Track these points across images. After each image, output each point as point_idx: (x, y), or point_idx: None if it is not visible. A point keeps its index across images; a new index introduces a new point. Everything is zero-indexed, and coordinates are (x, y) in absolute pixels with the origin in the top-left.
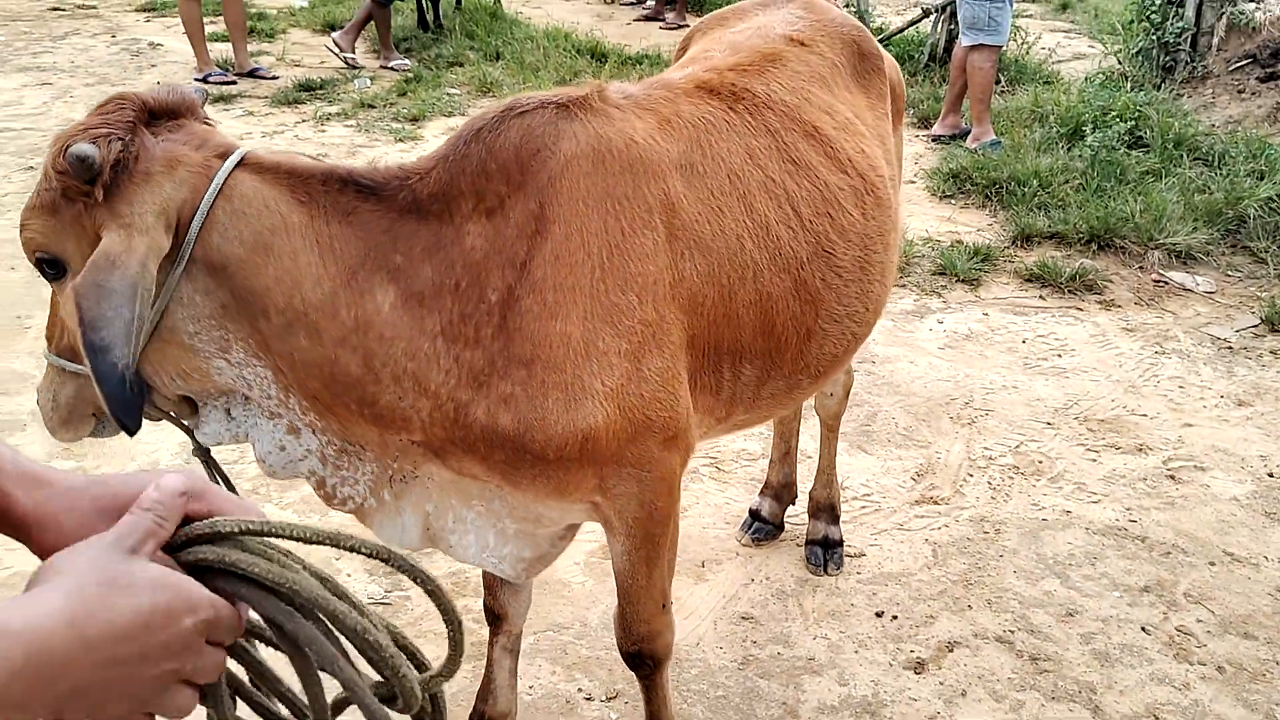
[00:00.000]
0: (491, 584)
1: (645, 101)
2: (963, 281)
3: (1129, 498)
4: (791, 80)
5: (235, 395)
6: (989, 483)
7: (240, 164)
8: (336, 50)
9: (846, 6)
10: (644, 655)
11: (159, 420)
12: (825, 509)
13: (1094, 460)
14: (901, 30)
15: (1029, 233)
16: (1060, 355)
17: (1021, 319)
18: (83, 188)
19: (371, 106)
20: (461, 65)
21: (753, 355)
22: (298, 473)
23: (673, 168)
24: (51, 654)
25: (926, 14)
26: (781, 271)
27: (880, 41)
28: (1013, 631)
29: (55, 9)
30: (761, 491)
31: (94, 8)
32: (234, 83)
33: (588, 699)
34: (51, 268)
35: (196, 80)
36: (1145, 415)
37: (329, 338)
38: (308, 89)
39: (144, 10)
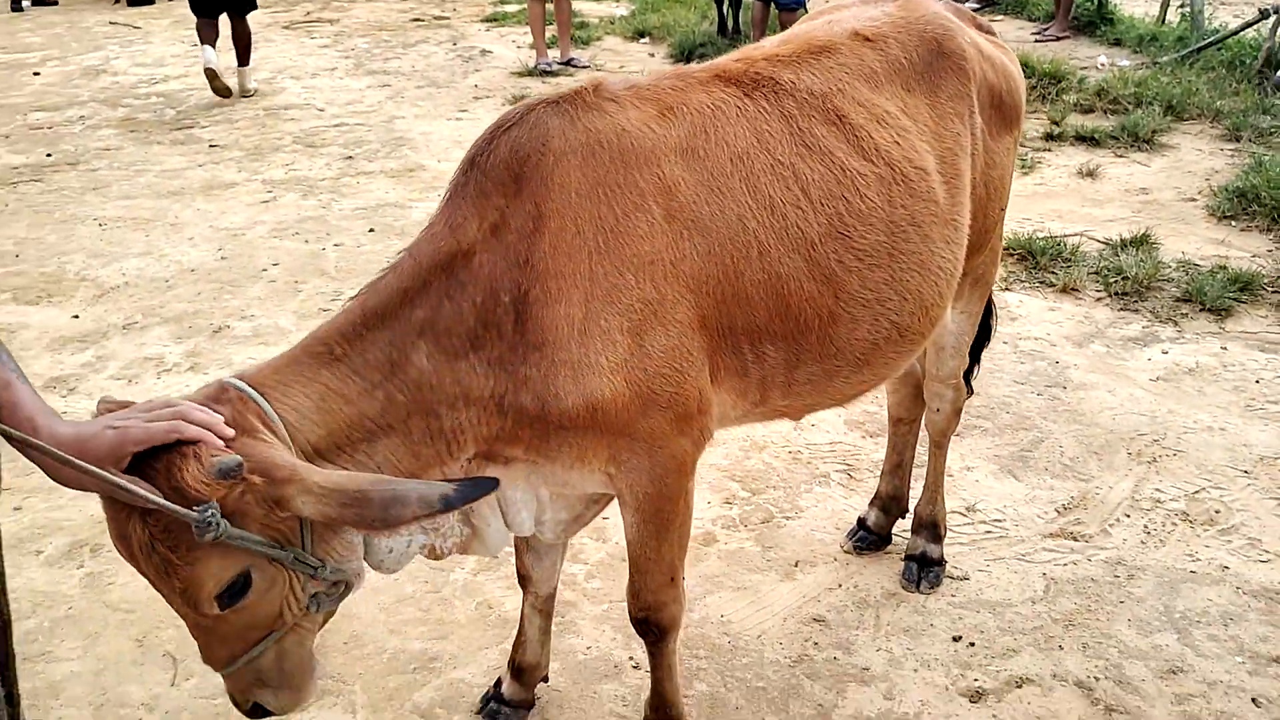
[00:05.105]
0: (519, 548)
1: (648, 92)
2: (1208, 310)
3: None
4: (830, 72)
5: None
6: (1145, 526)
7: None
8: None
9: (1181, 7)
10: (650, 624)
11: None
12: (927, 525)
13: None
14: (1236, 33)
15: None
16: None
17: (1265, 356)
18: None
19: None
20: None
21: (772, 336)
22: (412, 556)
23: (670, 152)
24: None
25: (1264, 15)
26: (791, 251)
27: (1211, 45)
28: (1097, 679)
29: (416, 20)
30: (871, 501)
31: (447, 19)
32: (555, 73)
33: (635, 667)
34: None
35: (538, 65)
36: None
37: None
38: None
39: (488, 21)
